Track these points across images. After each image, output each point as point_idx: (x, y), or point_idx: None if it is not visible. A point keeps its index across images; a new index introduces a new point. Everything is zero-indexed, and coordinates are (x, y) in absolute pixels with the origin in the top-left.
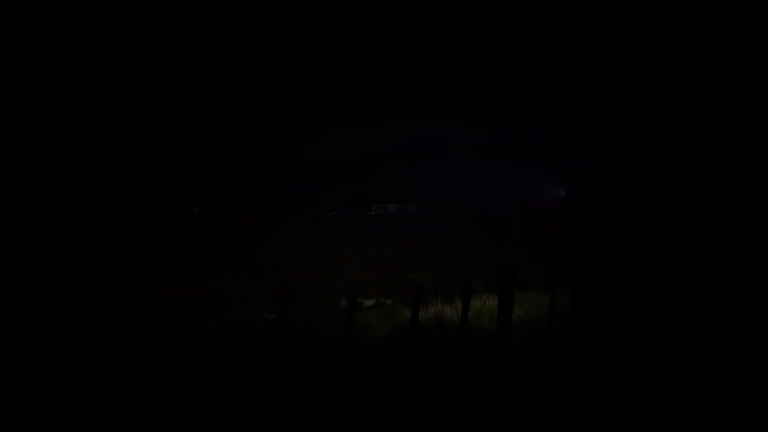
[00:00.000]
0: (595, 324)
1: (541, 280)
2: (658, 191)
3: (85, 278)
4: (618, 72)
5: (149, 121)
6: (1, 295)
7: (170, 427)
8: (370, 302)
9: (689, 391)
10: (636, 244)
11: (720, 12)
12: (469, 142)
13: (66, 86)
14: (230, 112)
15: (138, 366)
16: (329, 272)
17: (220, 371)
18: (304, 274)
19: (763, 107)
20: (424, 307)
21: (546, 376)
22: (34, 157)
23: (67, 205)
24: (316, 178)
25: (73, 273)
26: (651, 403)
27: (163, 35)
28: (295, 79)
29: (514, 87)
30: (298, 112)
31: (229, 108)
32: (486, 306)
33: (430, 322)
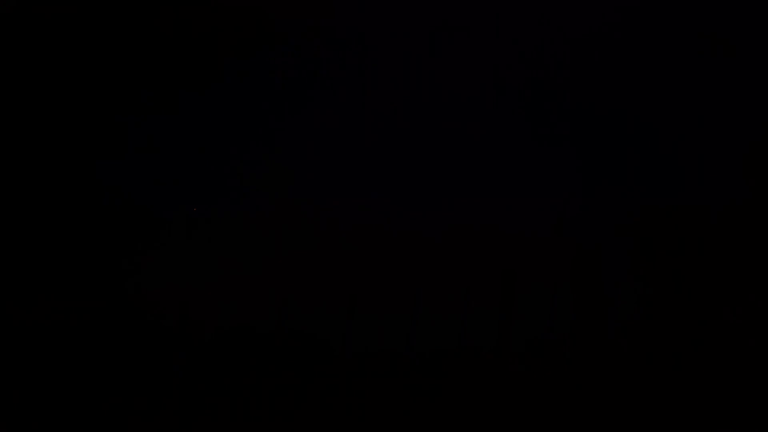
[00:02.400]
0: (595, 324)
1: (542, 280)
2: (657, 191)
3: (86, 278)
4: (617, 71)
5: (149, 121)
6: (3, 297)
7: (170, 427)
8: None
9: (689, 390)
10: (636, 244)
11: (720, 11)
12: (469, 142)
13: (67, 86)
14: (230, 112)
15: (139, 366)
16: (330, 271)
17: (220, 371)
18: (305, 273)
19: (763, 106)
20: (424, 307)
21: (546, 375)
22: (35, 158)
23: (68, 205)
24: (316, 177)
25: (74, 273)
26: (650, 402)
27: (162, 35)
28: (295, 79)
29: (514, 87)
30: (298, 111)
31: (229, 108)
32: (486, 305)
33: (430, 319)
